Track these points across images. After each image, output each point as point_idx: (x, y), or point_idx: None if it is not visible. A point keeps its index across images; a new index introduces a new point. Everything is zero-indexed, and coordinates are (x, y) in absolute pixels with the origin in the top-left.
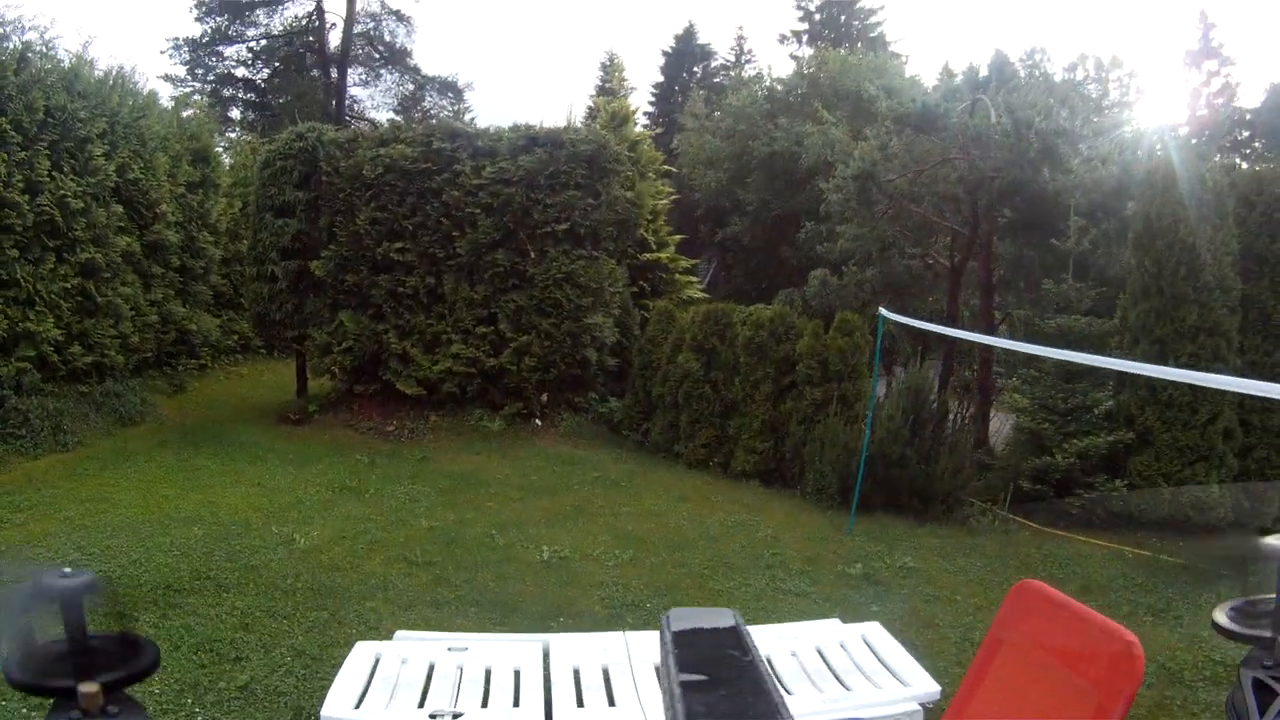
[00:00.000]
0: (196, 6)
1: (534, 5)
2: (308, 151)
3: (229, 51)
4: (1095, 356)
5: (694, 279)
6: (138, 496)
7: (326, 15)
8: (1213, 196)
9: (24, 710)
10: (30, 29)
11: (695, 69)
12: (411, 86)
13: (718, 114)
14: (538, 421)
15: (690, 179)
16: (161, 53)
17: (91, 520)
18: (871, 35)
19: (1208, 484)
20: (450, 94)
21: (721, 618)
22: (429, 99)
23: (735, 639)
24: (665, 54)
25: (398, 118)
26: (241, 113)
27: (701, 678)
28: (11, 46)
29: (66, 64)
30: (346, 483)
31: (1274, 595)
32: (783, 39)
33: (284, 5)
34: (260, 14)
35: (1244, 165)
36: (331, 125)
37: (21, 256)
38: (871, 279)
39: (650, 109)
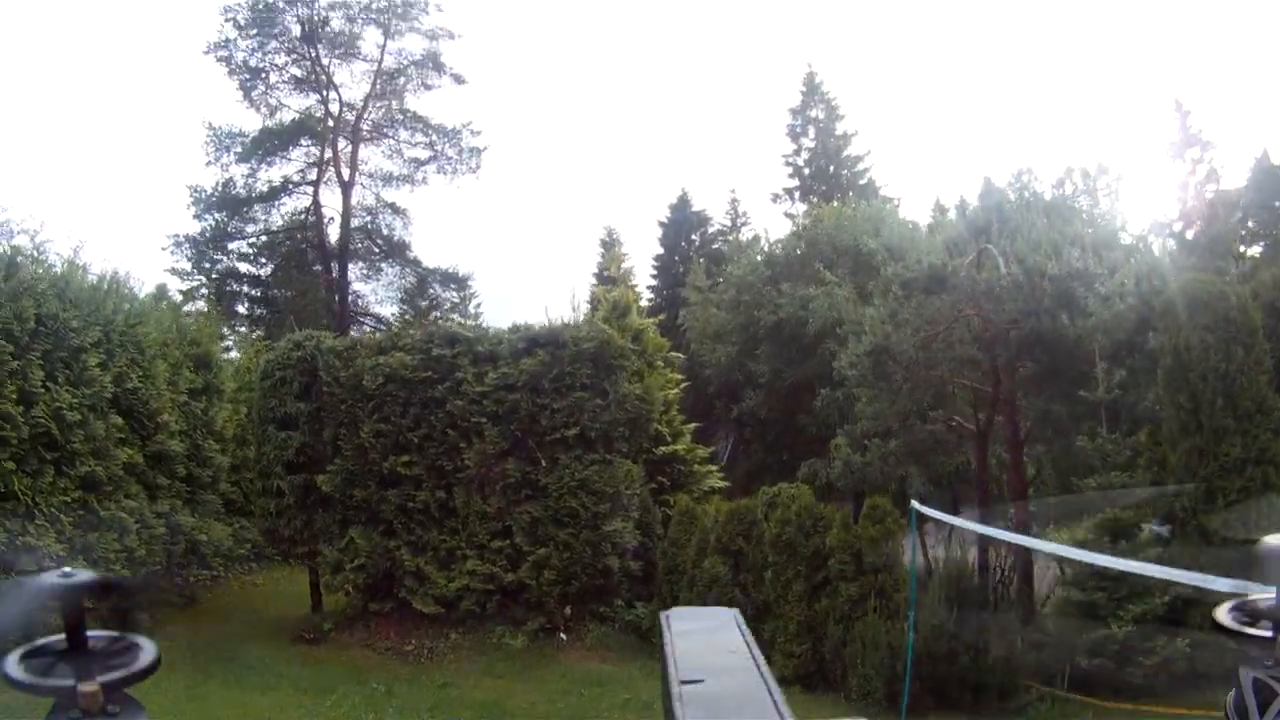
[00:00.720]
0: (194, 204)
1: (527, 186)
2: (307, 361)
3: (231, 246)
4: (1133, 563)
5: (713, 468)
6: None
7: (324, 210)
8: (1238, 313)
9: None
10: (20, 232)
11: (693, 236)
12: (414, 279)
13: (720, 283)
14: (562, 636)
15: (699, 355)
16: (163, 249)
17: None
18: (861, 182)
19: None
20: (453, 285)
21: (722, 618)
22: (432, 290)
23: (735, 639)
24: (662, 224)
25: (402, 311)
26: (247, 307)
27: (702, 677)
28: (0, 252)
29: (58, 269)
30: (361, 717)
31: (1274, 595)
32: (775, 197)
33: (280, 201)
34: (258, 210)
35: (1245, 251)
36: (332, 330)
37: (19, 469)
38: (896, 450)
39: (653, 281)
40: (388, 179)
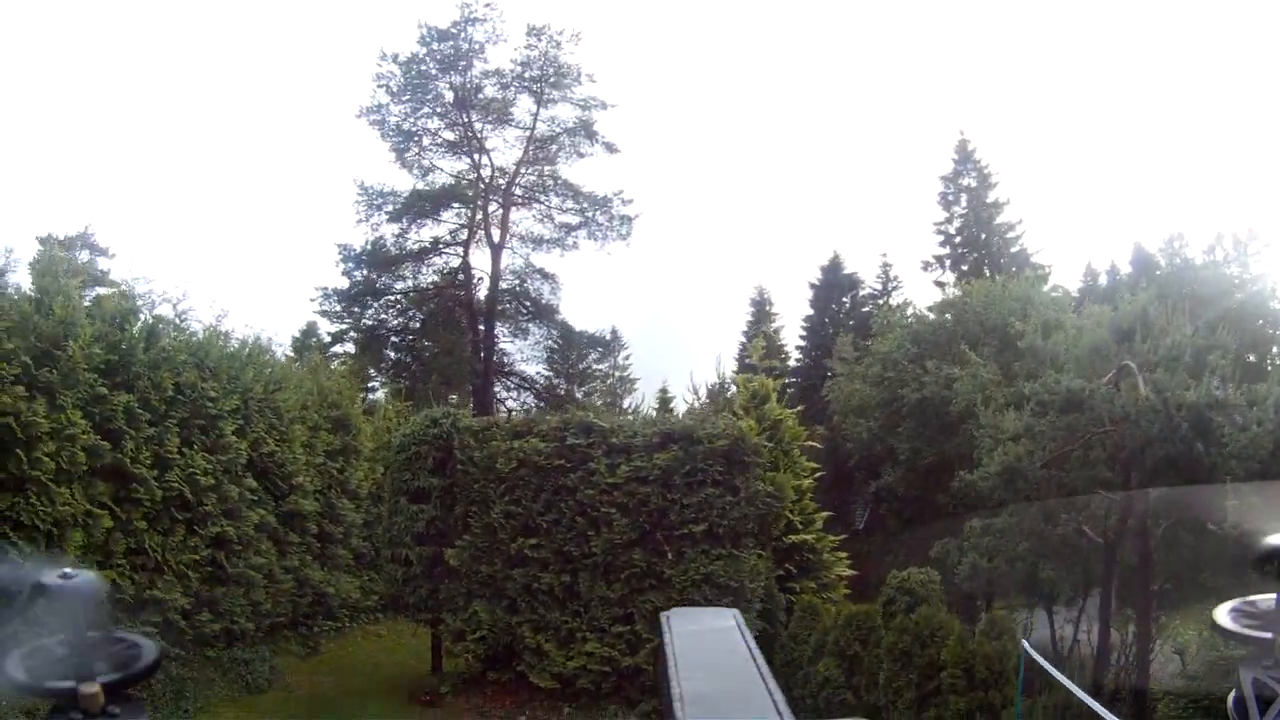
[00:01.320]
0: (343, 260)
1: (679, 248)
2: (442, 438)
3: (378, 302)
4: None
5: (843, 554)
6: None
7: (473, 270)
8: None
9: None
10: (163, 301)
11: (844, 299)
12: (560, 341)
13: (866, 358)
14: None
15: (842, 427)
16: (311, 300)
17: None
18: (1013, 250)
19: None
20: (599, 348)
21: (722, 618)
22: (578, 353)
23: (736, 639)
24: (813, 285)
25: (549, 373)
26: (393, 357)
27: (702, 676)
28: (141, 323)
29: (199, 337)
30: None
31: (1274, 595)
32: (926, 265)
33: (430, 260)
34: (407, 269)
35: None
36: (476, 386)
37: (150, 528)
38: (1024, 553)
39: (802, 342)
40: (538, 242)
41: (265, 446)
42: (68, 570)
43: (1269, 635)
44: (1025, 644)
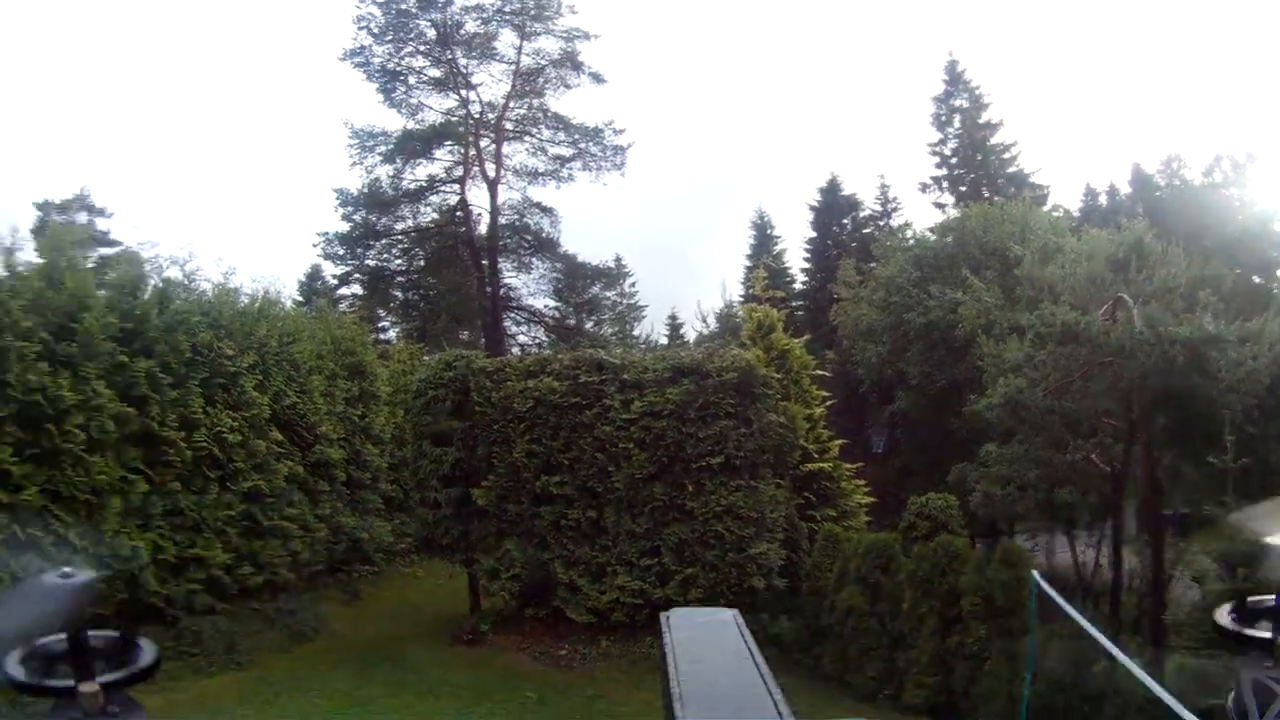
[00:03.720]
0: (341, 204)
1: (675, 176)
2: (458, 381)
3: (380, 243)
4: None
5: (860, 482)
6: None
7: (471, 208)
8: None
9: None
10: (171, 264)
11: (844, 221)
12: (564, 273)
13: (870, 284)
14: None
15: (851, 352)
16: (313, 245)
17: None
18: (1009, 170)
19: None
20: (604, 279)
21: (722, 618)
22: (583, 285)
23: (735, 638)
24: (813, 208)
25: (555, 304)
26: (403, 297)
27: (702, 676)
28: (151, 288)
29: (210, 296)
30: None
31: (1274, 596)
32: (924, 187)
33: (427, 200)
34: (405, 209)
35: None
36: (485, 323)
37: (185, 488)
38: (1035, 481)
39: (806, 264)
40: (533, 175)
41: (286, 399)
42: (67, 570)
43: (1269, 636)
44: (1035, 574)
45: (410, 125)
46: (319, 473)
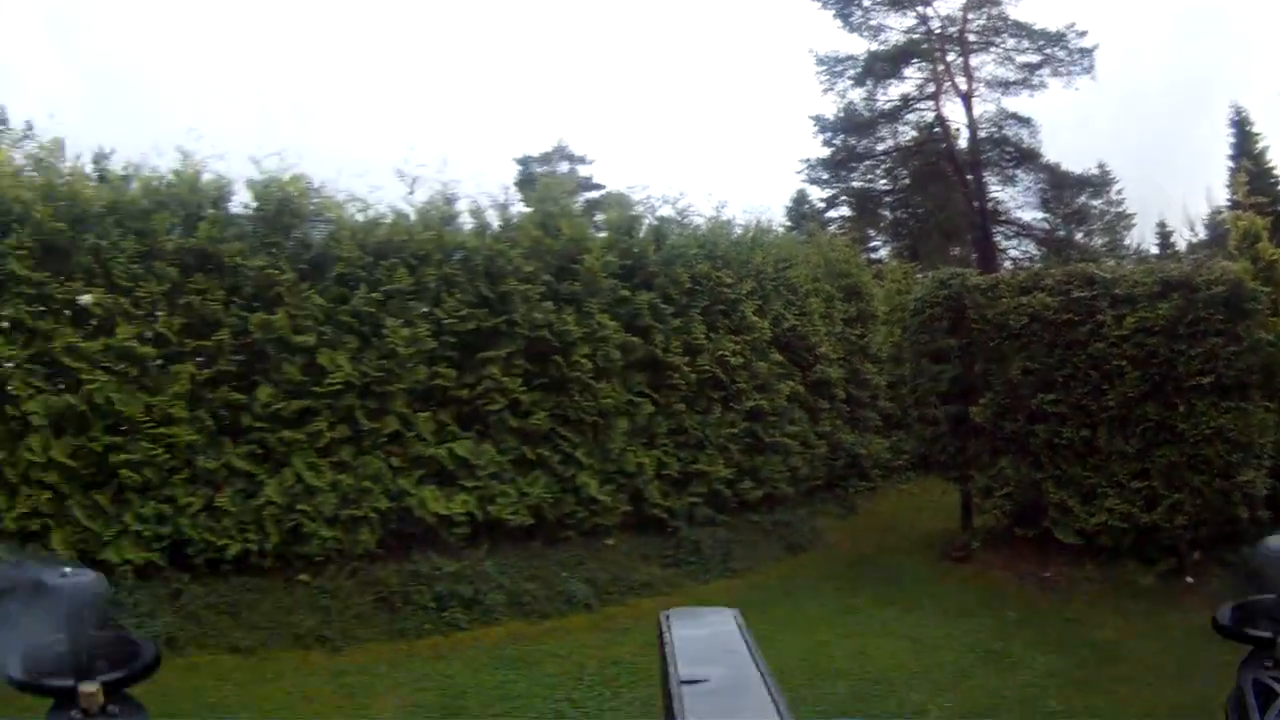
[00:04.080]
0: (820, 131)
1: (1147, 71)
2: (953, 299)
3: (864, 165)
4: None
5: None
6: (797, 639)
7: (949, 123)
8: None
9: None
10: (662, 203)
11: None
12: (1049, 185)
13: None
14: (1189, 580)
15: None
16: (797, 172)
17: None
18: None
19: None
20: (1090, 187)
21: (722, 617)
22: (1069, 195)
23: (736, 638)
24: None
25: (1044, 217)
26: (891, 214)
27: (702, 676)
28: (646, 226)
29: (704, 230)
30: (991, 645)
31: (1274, 595)
32: None
33: (904, 119)
34: (883, 130)
35: None
36: (976, 239)
37: (689, 409)
38: None
39: None
40: (1005, 86)
41: (785, 322)
42: (67, 569)
43: (1269, 635)
44: None
45: (874, 47)
46: (819, 391)
